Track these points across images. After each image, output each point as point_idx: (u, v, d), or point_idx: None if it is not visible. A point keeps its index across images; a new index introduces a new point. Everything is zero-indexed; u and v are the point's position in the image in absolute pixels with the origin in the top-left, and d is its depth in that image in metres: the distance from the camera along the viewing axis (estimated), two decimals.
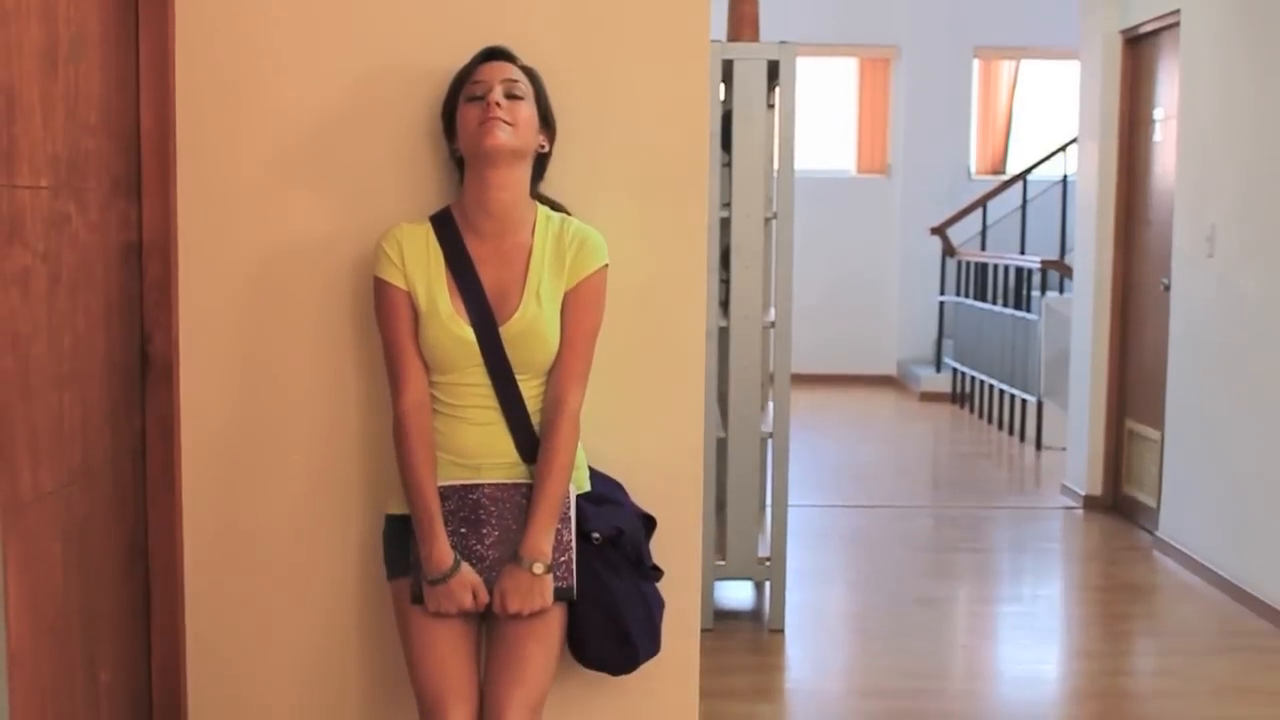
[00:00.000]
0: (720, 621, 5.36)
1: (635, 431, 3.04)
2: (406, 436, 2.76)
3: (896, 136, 12.78)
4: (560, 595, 2.74)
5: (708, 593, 5.18)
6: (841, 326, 12.51)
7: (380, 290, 2.79)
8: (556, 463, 2.75)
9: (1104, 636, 5.58)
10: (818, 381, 11.66)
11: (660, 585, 2.95)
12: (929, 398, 11.66)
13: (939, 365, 12.02)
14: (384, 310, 2.79)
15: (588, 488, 2.88)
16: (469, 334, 2.74)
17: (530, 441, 2.79)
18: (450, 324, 2.74)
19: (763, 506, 5.58)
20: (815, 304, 11.33)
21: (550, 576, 2.72)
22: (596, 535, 2.79)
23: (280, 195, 3.00)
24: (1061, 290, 10.05)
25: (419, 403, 2.78)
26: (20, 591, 2.36)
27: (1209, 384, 6.22)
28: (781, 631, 5.27)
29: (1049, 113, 12.61)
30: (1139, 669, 5.32)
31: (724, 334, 5.29)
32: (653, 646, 2.86)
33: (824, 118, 12.61)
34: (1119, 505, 7.41)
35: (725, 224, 5.27)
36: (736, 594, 5.80)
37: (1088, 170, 7.67)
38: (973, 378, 10.88)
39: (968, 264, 11.19)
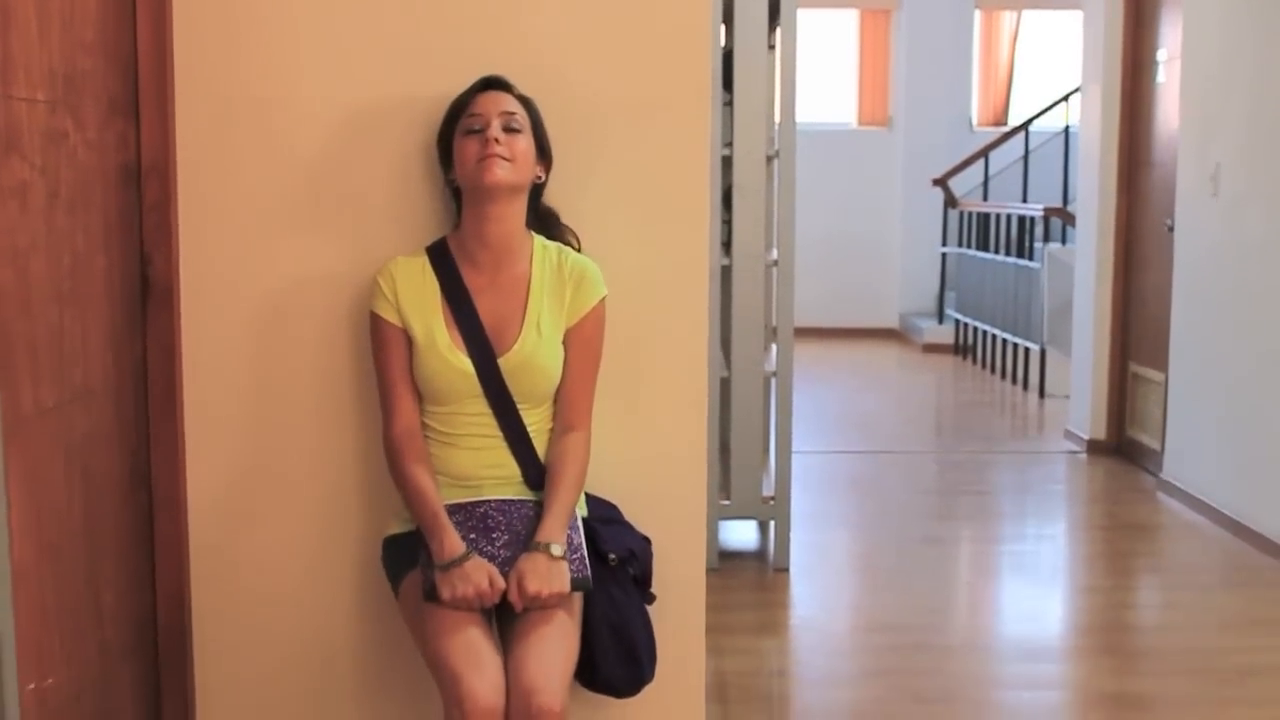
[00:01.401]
0: (725, 561, 5.35)
1: (639, 367, 3.02)
2: (400, 454, 2.77)
3: (897, 88, 12.73)
4: (578, 585, 2.67)
5: (712, 533, 5.18)
6: (843, 279, 12.48)
7: (374, 324, 2.81)
8: (569, 473, 2.75)
9: (1109, 573, 5.58)
10: (819, 334, 11.63)
11: (666, 522, 2.97)
12: (931, 349, 11.65)
13: (941, 317, 12.01)
14: (377, 344, 2.81)
15: (585, 513, 2.86)
16: (468, 366, 2.74)
17: (534, 464, 2.79)
18: (449, 355, 2.74)
19: (766, 446, 5.57)
20: (816, 257, 11.31)
21: (566, 564, 2.67)
22: (613, 556, 2.77)
23: (282, 115, 2.97)
24: (1064, 241, 10.02)
25: (410, 430, 2.79)
26: (23, 505, 2.35)
27: (1213, 323, 6.20)
28: (786, 570, 5.26)
29: (1051, 64, 12.55)
30: (1144, 603, 5.32)
31: (726, 273, 5.27)
32: (652, 668, 2.83)
33: (824, 70, 12.54)
34: (1123, 448, 7.41)
35: (727, 162, 5.25)
36: (741, 535, 5.80)
37: (1091, 113, 7.63)
38: (975, 328, 10.87)
39: (970, 214, 11.16)
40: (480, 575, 2.62)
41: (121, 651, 2.83)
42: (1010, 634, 4.85)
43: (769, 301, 5.53)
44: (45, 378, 2.48)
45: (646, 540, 2.90)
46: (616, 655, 2.76)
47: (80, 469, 2.63)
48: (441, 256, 2.80)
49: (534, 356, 2.75)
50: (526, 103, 2.82)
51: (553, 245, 2.83)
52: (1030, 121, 11.58)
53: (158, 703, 3.02)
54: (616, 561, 2.77)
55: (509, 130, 2.75)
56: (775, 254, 5.35)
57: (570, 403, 2.82)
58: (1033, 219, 9.90)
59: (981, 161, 11.70)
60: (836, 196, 12.30)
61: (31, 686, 2.37)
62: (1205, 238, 6.29)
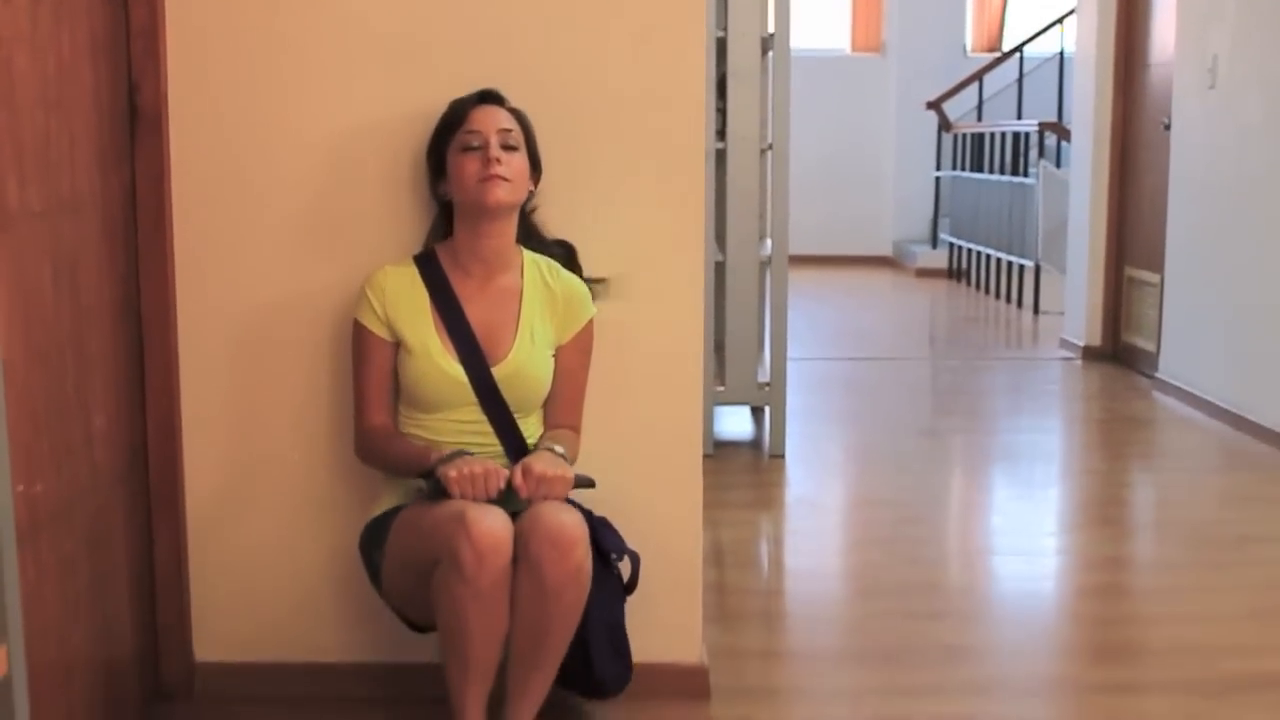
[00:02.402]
0: (720, 449, 5.32)
1: (635, 256, 2.99)
2: (377, 438, 2.77)
3: (891, 14, 12.64)
4: (582, 481, 2.67)
5: (708, 419, 5.13)
6: (837, 208, 12.42)
7: (358, 333, 2.80)
8: (561, 437, 2.77)
9: (1106, 458, 5.57)
10: (813, 262, 11.58)
11: (662, 405, 2.99)
12: (925, 274, 11.61)
13: (935, 242, 11.95)
14: (358, 352, 2.80)
15: None
16: (460, 373, 2.72)
17: None
18: (441, 362, 2.72)
19: (762, 333, 5.53)
20: (810, 185, 11.23)
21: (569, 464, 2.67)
22: (615, 555, 2.76)
23: None
24: (1059, 164, 9.95)
25: (385, 424, 2.79)
26: (10, 304, 2.31)
27: (1210, 216, 6.16)
28: (782, 457, 5.22)
29: None
30: (1142, 482, 5.31)
31: (721, 157, 5.22)
32: (631, 670, 2.83)
33: None
34: (1119, 354, 7.38)
35: (721, 46, 5.18)
36: (736, 426, 5.77)
37: (1087, 16, 7.57)
38: (970, 251, 10.82)
39: (964, 136, 11.09)
40: (485, 460, 2.61)
41: (113, 478, 2.80)
42: (1007, 510, 4.84)
43: (764, 187, 5.48)
44: (32, 179, 2.43)
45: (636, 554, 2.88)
46: (610, 653, 2.76)
47: (69, 281, 2.59)
48: (429, 265, 2.79)
49: (528, 365, 2.75)
50: (520, 117, 2.81)
51: (542, 260, 2.83)
52: (1025, 44, 11.50)
53: (149, 534, 2.99)
54: (619, 559, 2.77)
55: (506, 148, 2.73)
56: (770, 138, 5.30)
57: (561, 408, 2.83)
58: (1027, 135, 9.84)
59: (975, 88, 11.62)
60: (829, 124, 12.22)
61: (20, 489, 2.34)
62: (1202, 131, 6.25)
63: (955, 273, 11.23)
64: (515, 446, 2.76)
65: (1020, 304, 9.61)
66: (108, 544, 2.79)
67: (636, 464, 3.02)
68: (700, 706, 3.00)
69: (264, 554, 3.06)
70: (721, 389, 5.28)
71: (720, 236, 5.33)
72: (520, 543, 2.53)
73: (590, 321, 2.84)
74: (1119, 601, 3.86)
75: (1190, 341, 6.32)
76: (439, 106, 2.82)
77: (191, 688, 3.08)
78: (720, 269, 5.27)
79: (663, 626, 3.05)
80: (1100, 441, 5.87)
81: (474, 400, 2.73)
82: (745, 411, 5.97)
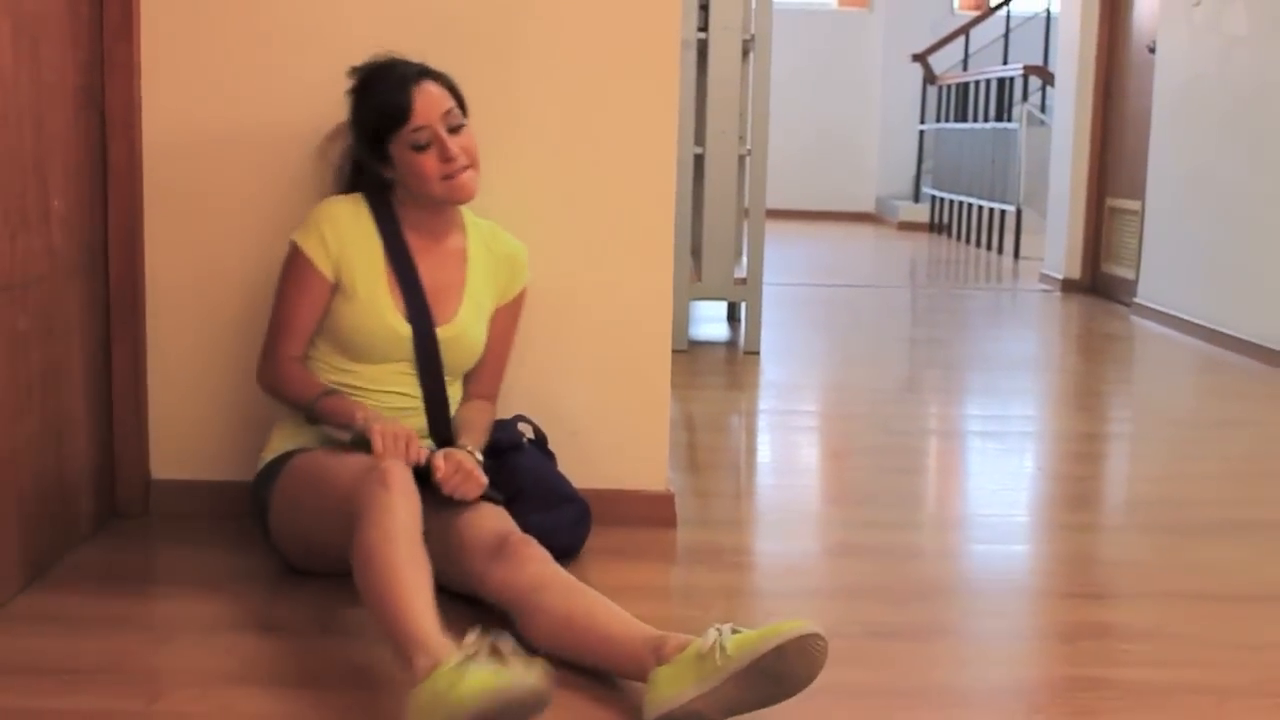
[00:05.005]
0: (695, 347, 5.27)
1: (602, 138, 2.93)
2: (292, 371, 2.62)
3: None
4: (489, 496, 2.50)
5: (683, 316, 5.09)
6: (821, 165, 12.40)
7: (297, 261, 2.62)
8: (482, 423, 2.68)
9: (1086, 360, 5.55)
10: (795, 216, 11.57)
11: (636, 288, 2.94)
12: (907, 227, 11.59)
13: (918, 196, 11.92)
14: (293, 280, 2.63)
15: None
16: (407, 330, 2.60)
17: (445, 429, 2.66)
18: (390, 317, 2.59)
19: (740, 229, 5.48)
20: (794, 142, 11.22)
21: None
22: (514, 440, 2.74)
23: None
24: (1043, 108, 9.94)
25: (299, 357, 2.65)
26: None
27: (1192, 136, 6.13)
28: (757, 354, 5.16)
29: None
30: (1119, 379, 5.28)
31: (702, 47, 5.17)
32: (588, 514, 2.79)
33: None
34: (1098, 285, 7.36)
35: None
36: (712, 329, 5.72)
37: None
38: (951, 202, 10.79)
39: (949, 88, 11.06)
40: (408, 428, 2.49)
41: (71, 269, 2.74)
42: (982, 397, 4.79)
43: (745, 82, 5.43)
44: None
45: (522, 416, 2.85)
46: (542, 505, 2.68)
47: (29, 51, 2.52)
48: (383, 211, 2.64)
49: (471, 329, 2.67)
50: (448, 83, 2.64)
51: (483, 223, 2.75)
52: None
53: (107, 343, 2.93)
54: (520, 437, 2.76)
55: (454, 130, 2.58)
56: (754, 27, 5.24)
57: (489, 375, 2.76)
58: (1012, 80, 9.81)
59: (962, 44, 11.59)
60: (815, 80, 12.19)
61: None
62: (1187, 49, 6.22)
63: (937, 226, 11.21)
64: (437, 405, 2.67)
65: (1001, 250, 9.59)
66: (64, 339, 2.72)
67: (603, 282, 2.97)
68: (666, 532, 2.94)
69: (224, 372, 3.00)
70: (698, 284, 5.23)
71: (700, 131, 5.27)
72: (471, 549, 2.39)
73: (524, 289, 2.78)
74: (1095, 464, 3.83)
75: (1169, 263, 6.29)
76: None
77: (147, 505, 3.02)
78: (699, 162, 5.22)
79: (629, 455, 3.01)
80: (1077, 349, 5.85)
81: (411, 357, 2.63)
82: (722, 319, 5.93)
